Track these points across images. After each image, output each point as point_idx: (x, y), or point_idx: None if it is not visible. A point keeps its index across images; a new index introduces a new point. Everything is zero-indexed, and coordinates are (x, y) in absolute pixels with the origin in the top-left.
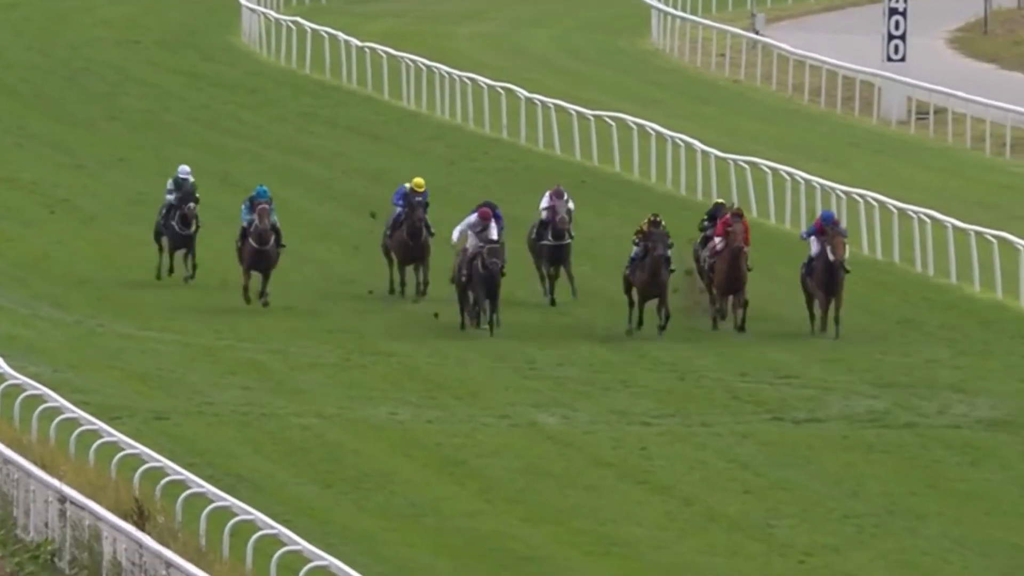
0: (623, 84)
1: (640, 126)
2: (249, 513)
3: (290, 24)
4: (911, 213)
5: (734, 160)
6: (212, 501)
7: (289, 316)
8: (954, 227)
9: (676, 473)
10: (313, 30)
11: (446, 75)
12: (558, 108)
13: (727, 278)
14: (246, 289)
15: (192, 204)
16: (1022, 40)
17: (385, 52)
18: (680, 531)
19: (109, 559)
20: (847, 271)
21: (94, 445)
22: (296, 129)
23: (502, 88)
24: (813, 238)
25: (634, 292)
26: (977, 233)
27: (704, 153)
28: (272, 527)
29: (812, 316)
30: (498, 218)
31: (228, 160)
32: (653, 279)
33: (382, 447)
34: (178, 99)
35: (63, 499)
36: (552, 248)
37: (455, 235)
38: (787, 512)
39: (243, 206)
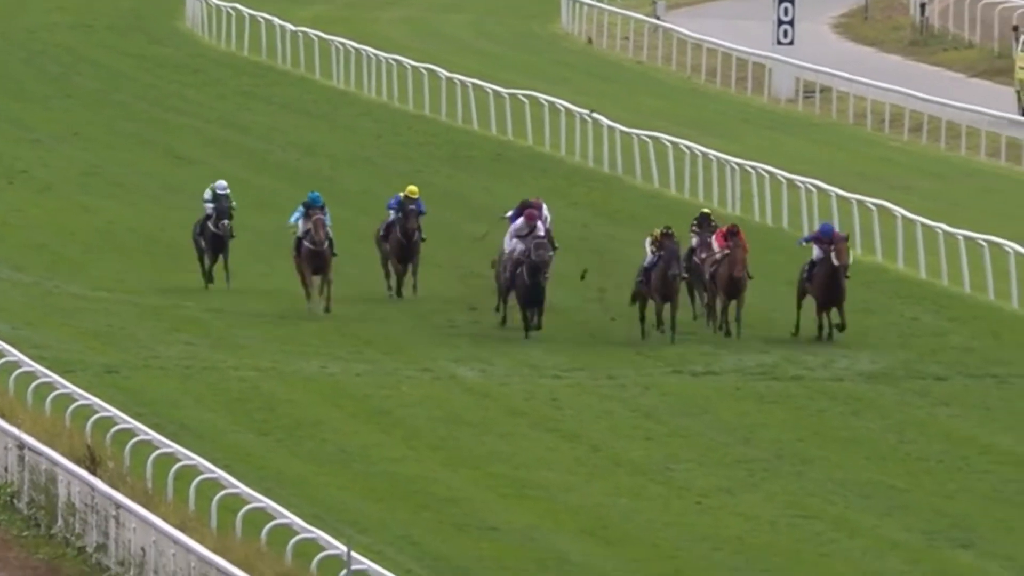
0: (535, 65)
1: (551, 103)
2: (191, 459)
3: (230, 10)
4: (799, 183)
5: (637, 134)
6: (158, 448)
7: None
8: (838, 196)
9: (584, 422)
10: (251, 15)
11: (372, 57)
12: (476, 87)
13: (729, 285)
14: (308, 294)
15: (226, 221)
16: (900, 25)
17: (316, 36)
18: (588, 475)
19: (64, 501)
20: (847, 277)
21: (50, 396)
22: (235, 106)
23: (424, 69)
24: (815, 245)
25: (643, 300)
26: (859, 201)
27: (609, 128)
28: (212, 471)
29: (799, 318)
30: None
31: (172, 134)
32: (665, 287)
33: (314, 398)
34: (128, 79)
35: (21, 446)
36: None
37: (506, 246)
38: (685, 457)
39: (297, 212)
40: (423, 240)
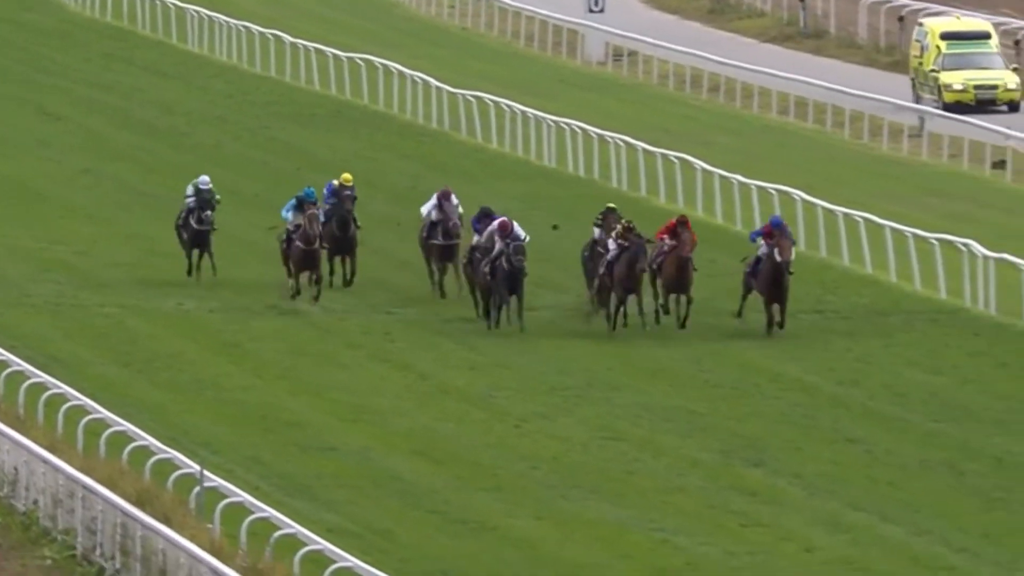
0: (371, 30)
1: (385, 66)
2: (60, 387)
3: None
4: (608, 138)
5: (463, 94)
6: (29, 377)
7: (92, 222)
8: (644, 150)
9: (414, 353)
10: None
11: (224, 23)
12: (317, 51)
13: (675, 281)
14: (296, 289)
15: (209, 212)
16: None
17: (173, 4)
18: (417, 401)
19: None
20: (791, 272)
21: None
22: (99, 68)
23: (271, 34)
24: (762, 239)
25: (607, 292)
26: (663, 155)
27: (437, 88)
28: (79, 399)
29: (740, 311)
30: (494, 218)
31: (44, 94)
32: (629, 277)
33: (171, 332)
34: (2, 43)
35: None
36: (442, 247)
37: (483, 239)
38: (506, 386)
39: (288, 205)
40: (358, 228)
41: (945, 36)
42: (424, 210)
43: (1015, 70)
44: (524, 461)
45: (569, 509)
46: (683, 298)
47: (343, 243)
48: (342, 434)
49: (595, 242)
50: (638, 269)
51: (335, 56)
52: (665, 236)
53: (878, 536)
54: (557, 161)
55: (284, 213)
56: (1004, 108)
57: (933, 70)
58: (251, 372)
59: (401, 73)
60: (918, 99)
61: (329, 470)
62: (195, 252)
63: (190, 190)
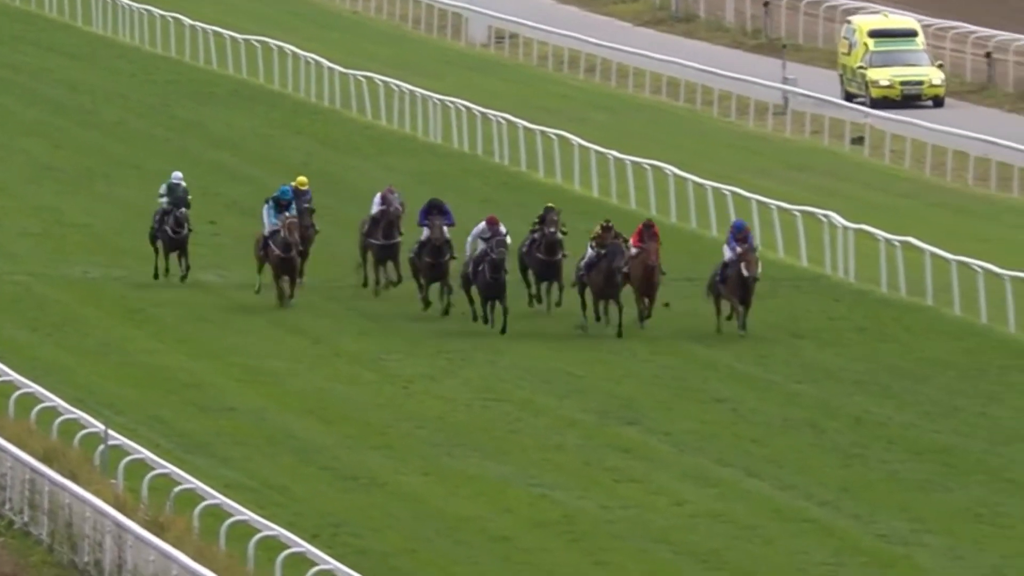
0: (266, 14)
1: (280, 47)
2: None
3: None
4: (491, 116)
5: (353, 75)
6: None
7: (2, 195)
8: (524, 127)
9: (308, 318)
10: None
11: (127, 7)
12: (215, 33)
13: (643, 284)
14: (281, 296)
15: (184, 209)
16: None
17: None
18: (311, 364)
19: None
20: (757, 280)
21: None
22: (9, 49)
23: (172, 17)
24: (725, 246)
25: (588, 293)
26: (542, 132)
27: (329, 69)
28: None
29: (719, 315)
30: (447, 214)
31: None
32: (608, 283)
33: (77, 299)
34: None
35: None
36: (381, 247)
37: (467, 244)
38: (395, 349)
39: (266, 206)
40: (317, 232)
41: (873, 34)
42: (372, 207)
43: (940, 66)
44: (411, 420)
45: (453, 466)
46: (646, 300)
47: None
48: (239, 395)
49: (533, 241)
50: (616, 275)
51: (232, 38)
52: (630, 241)
53: (744, 490)
54: (443, 137)
55: (264, 215)
56: (929, 103)
57: (861, 67)
58: (153, 336)
59: (295, 54)
60: (847, 95)
61: (227, 429)
62: (172, 255)
63: (163, 189)
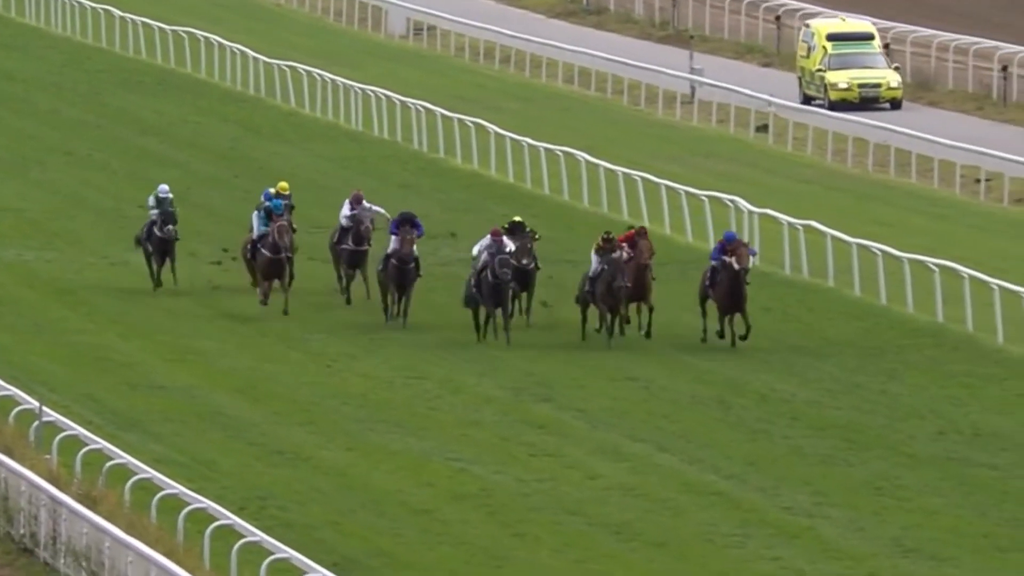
0: (194, 6)
1: (206, 38)
2: None
3: None
4: (410, 105)
5: (277, 64)
6: None
7: None
8: (442, 115)
9: (236, 301)
10: None
11: None
12: (144, 24)
13: (633, 288)
14: (265, 295)
15: (171, 227)
16: None
17: None
18: (238, 344)
19: None
20: (747, 282)
21: None
22: None
23: (102, 9)
24: (719, 253)
25: (586, 305)
26: (459, 120)
27: (255, 58)
28: None
29: (705, 324)
30: (418, 226)
31: None
32: (611, 299)
33: (12, 280)
34: None
35: None
36: (351, 252)
37: (474, 252)
38: (319, 329)
39: (256, 214)
40: (295, 231)
41: (831, 37)
42: (340, 217)
43: (896, 69)
44: (336, 398)
45: (376, 441)
46: (643, 306)
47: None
48: (169, 374)
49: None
50: (616, 287)
51: (160, 28)
52: (624, 245)
53: (654, 464)
54: (363, 125)
55: (254, 221)
56: (887, 106)
57: (820, 69)
58: (85, 317)
59: (221, 44)
60: (805, 98)
61: (157, 406)
62: (161, 262)
63: (152, 201)
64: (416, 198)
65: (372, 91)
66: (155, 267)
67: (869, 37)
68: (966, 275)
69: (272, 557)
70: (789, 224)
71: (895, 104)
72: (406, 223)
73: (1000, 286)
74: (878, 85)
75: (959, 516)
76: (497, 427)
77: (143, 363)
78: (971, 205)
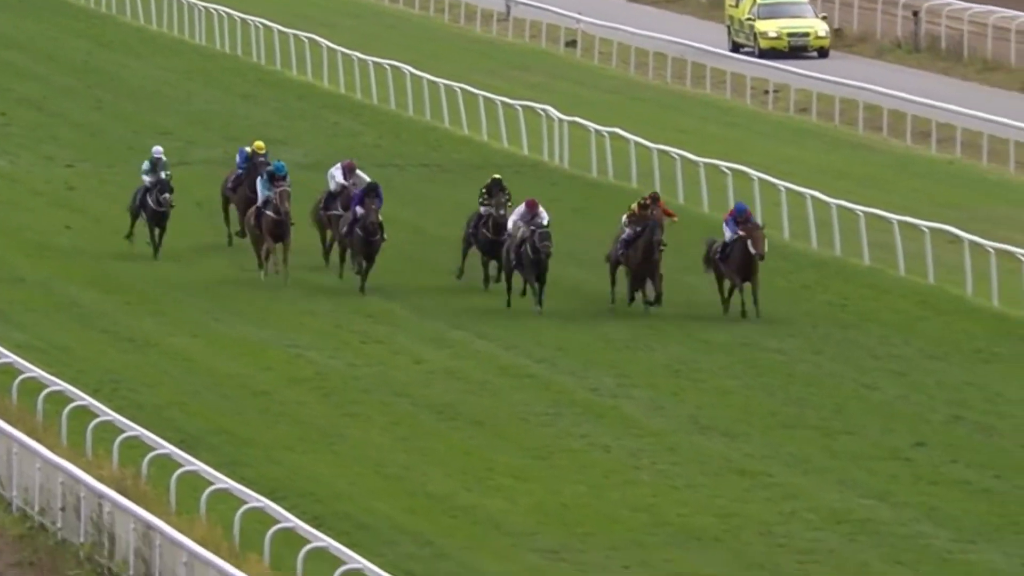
0: None
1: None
2: None
3: None
4: (250, 21)
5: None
6: None
7: None
8: (279, 31)
9: (90, 199)
10: None
11: None
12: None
13: (643, 259)
14: (266, 258)
15: (167, 195)
16: None
17: None
18: (91, 240)
19: None
20: (763, 258)
21: None
22: None
23: None
24: (725, 225)
25: (620, 271)
26: (295, 35)
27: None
28: None
29: (723, 298)
30: (379, 198)
31: None
32: (646, 260)
33: None
34: None
35: None
36: (339, 218)
37: (509, 225)
38: (169, 229)
39: (259, 179)
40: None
41: None
42: (331, 183)
43: (824, 18)
44: (182, 290)
45: (219, 329)
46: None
47: (282, 227)
48: (28, 267)
49: (480, 217)
50: (654, 254)
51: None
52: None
53: (474, 350)
54: (207, 39)
55: (257, 187)
56: (814, 54)
57: (749, 18)
58: None
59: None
60: (734, 46)
61: (18, 297)
62: (152, 231)
63: (146, 165)
64: (256, 107)
65: (215, 9)
66: (149, 235)
67: None
68: (755, 178)
69: (124, 435)
70: (596, 131)
71: (823, 53)
72: (371, 192)
73: (786, 187)
74: (806, 34)
75: (749, 396)
76: (331, 316)
77: (4, 258)
78: (760, 115)
